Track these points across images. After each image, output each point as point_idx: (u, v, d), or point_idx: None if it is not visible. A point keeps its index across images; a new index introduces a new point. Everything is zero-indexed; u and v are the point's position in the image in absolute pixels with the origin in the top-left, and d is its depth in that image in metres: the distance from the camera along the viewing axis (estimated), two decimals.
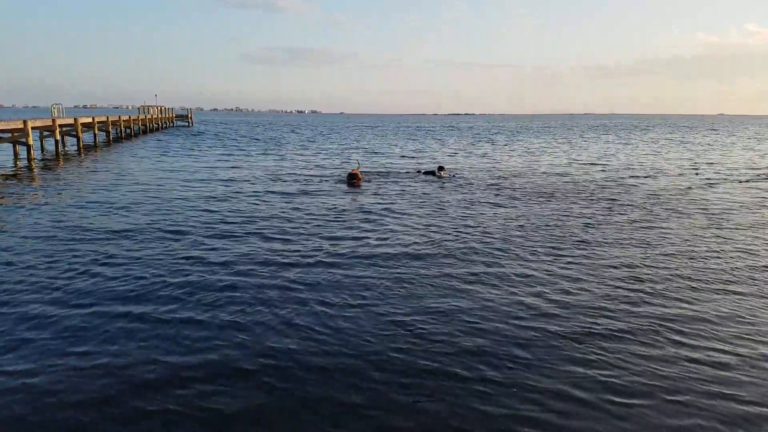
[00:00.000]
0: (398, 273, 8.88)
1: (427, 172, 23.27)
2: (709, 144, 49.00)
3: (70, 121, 33.17)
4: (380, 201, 16.07)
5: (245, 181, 20.23)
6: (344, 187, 19.23)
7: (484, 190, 18.71)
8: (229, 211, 14.04)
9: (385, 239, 11.27)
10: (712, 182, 21.39)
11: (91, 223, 12.25)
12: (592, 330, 6.71)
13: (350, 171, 21.58)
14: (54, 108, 36.49)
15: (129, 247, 10.28)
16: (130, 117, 49.71)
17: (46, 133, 32.39)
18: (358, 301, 7.54)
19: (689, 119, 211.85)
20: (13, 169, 23.36)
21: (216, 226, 12.28)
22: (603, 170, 25.63)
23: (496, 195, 17.56)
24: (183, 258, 9.53)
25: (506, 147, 44.25)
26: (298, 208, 14.67)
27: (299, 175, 22.56)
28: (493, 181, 20.92)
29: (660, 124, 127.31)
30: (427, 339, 6.39)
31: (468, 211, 14.51)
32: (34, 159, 24.97)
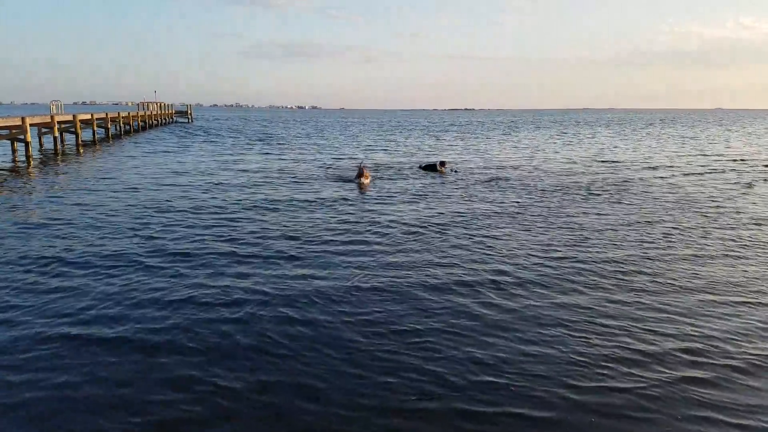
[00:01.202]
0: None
1: (427, 167, 23.14)
2: (713, 138, 48.98)
3: (69, 118, 33.06)
4: (385, 204, 15.27)
5: (243, 184, 18.75)
6: (344, 185, 18.66)
7: (487, 187, 18.65)
8: (229, 223, 12.36)
9: (393, 252, 10.57)
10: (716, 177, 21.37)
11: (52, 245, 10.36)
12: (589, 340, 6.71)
13: (360, 166, 20.74)
14: (52, 105, 36.37)
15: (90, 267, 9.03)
16: (129, 113, 49.51)
17: (44, 130, 32.31)
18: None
19: (687, 113, 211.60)
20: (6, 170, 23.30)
21: (211, 243, 10.53)
22: (601, 166, 25.62)
23: (497, 191, 17.58)
24: (155, 288, 8.02)
25: (504, 143, 44.19)
26: (296, 217, 13.21)
27: (298, 174, 21.64)
28: (491, 177, 20.91)
29: (662, 119, 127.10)
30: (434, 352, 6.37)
31: (474, 214, 14.07)
32: (32, 156, 24.92)
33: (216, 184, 18.77)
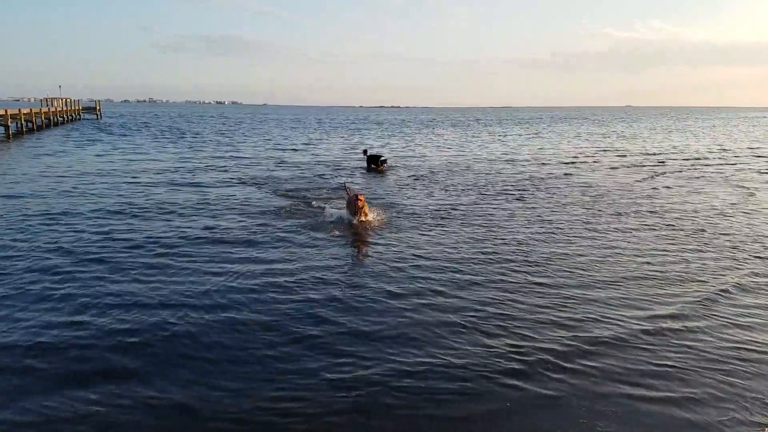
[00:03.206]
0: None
1: (371, 159, 22.88)
2: (620, 133, 52.74)
3: None
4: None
5: (143, 205, 14.22)
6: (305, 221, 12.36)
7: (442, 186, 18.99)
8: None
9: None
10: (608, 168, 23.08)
11: None
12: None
13: (355, 194, 12.30)
14: None
15: None
16: (31, 110, 45.95)
17: None
18: None
19: (599, 111, 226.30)
20: None
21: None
22: (513, 162, 26.97)
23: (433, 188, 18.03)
24: None
25: (431, 139, 45.32)
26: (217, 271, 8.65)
27: (217, 195, 16.02)
28: (424, 174, 21.53)
29: (572, 116, 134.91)
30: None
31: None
32: None
33: (124, 202, 14.59)
